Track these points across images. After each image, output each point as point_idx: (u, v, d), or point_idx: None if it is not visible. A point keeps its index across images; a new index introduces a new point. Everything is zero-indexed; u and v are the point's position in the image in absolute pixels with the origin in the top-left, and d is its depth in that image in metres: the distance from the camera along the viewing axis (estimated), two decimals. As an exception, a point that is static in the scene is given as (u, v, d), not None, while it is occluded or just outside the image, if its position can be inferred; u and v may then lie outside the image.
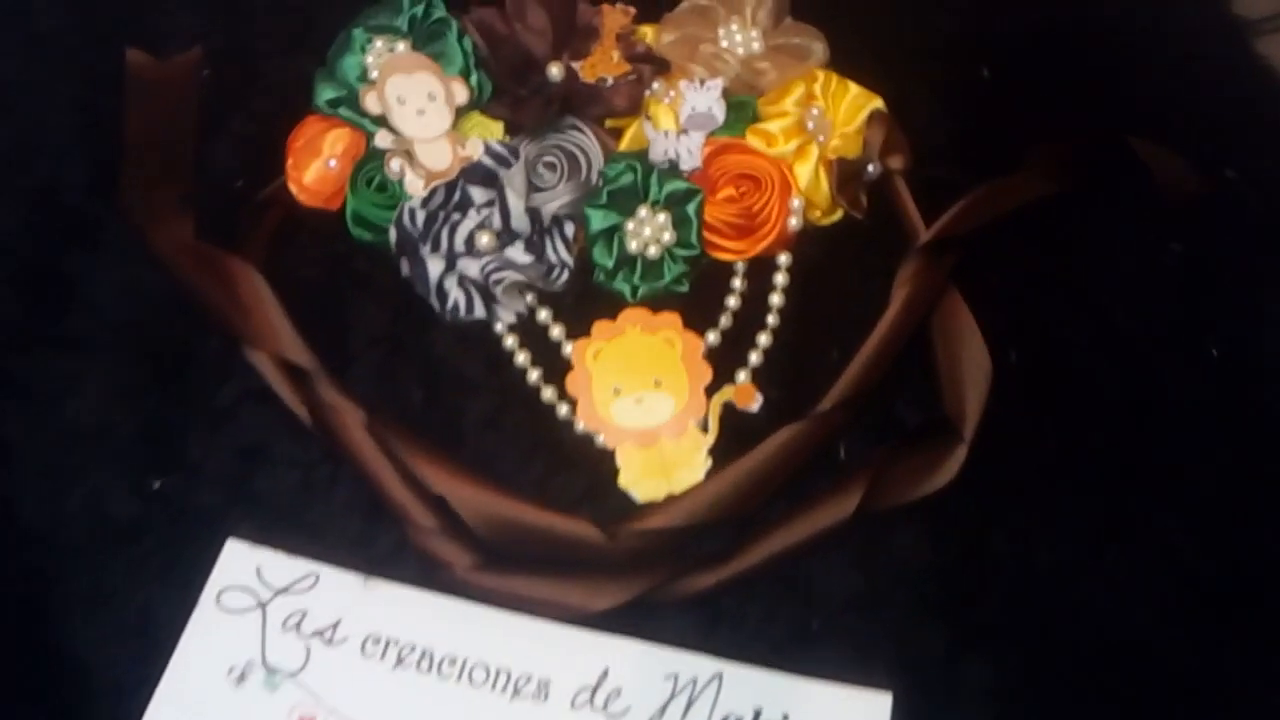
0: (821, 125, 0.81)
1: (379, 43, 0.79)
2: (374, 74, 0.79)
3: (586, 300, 0.77)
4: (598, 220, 0.76)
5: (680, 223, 0.77)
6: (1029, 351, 0.76)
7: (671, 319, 0.76)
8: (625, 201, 0.77)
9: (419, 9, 0.80)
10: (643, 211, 0.77)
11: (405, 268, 0.76)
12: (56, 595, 0.69)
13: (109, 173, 0.79)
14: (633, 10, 0.83)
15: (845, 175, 0.79)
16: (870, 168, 0.80)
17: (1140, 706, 0.69)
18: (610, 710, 0.66)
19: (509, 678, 0.67)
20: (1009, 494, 0.73)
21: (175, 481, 0.72)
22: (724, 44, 0.82)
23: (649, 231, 0.77)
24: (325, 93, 0.79)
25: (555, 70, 0.81)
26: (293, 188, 0.80)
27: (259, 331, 0.73)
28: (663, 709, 0.66)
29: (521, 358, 0.76)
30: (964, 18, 0.87)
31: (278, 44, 0.85)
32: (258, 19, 0.86)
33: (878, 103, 0.82)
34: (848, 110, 0.82)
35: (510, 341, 0.77)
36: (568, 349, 0.76)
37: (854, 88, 0.82)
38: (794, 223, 0.78)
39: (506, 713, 0.66)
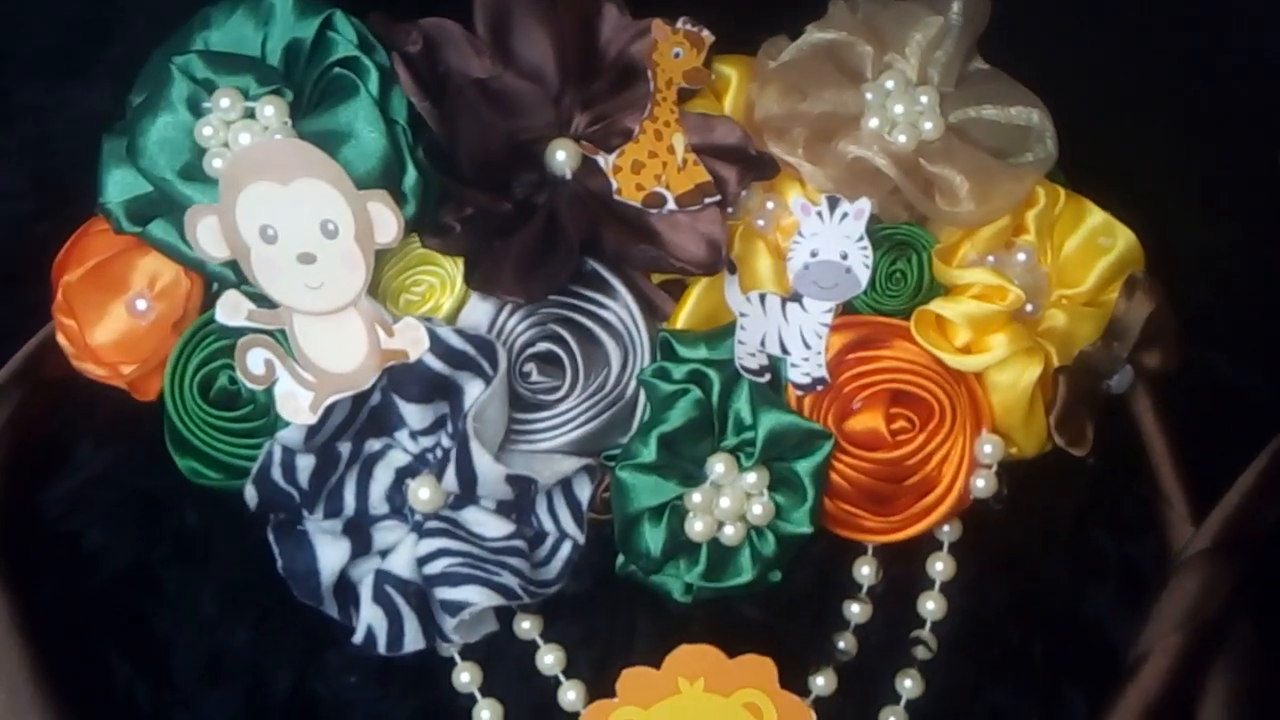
0: (1032, 283, 0.46)
1: (225, 101, 0.40)
2: (216, 165, 0.41)
3: (603, 597, 0.43)
4: (643, 494, 0.41)
5: (785, 487, 0.42)
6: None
7: (759, 668, 0.42)
8: (686, 450, 0.42)
9: (305, 28, 0.41)
10: (717, 468, 0.42)
11: (277, 554, 0.41)
12: None
13: None
14: (706, 37, 0.45)
15: (1080, 394, 0.45)
16: (1116, 379, 0.46)
17: None
18: None
19: None
20: None
21: None
22: (873, 123, 0.45)
23: (727, 503, 0.42)
24: (120, 184, 0.41)
25: (562, 155, 0.43)
26: (68, 349, 0.43)
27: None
28: None
29: (486, 715, 0.43)
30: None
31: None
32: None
33: (1126, 243, 0.46)
34: (1079, 254, 0.46)
35: (466, 678, 0.43)
36: (570, 696, 0.43)
37: (1093, 213, 0.46)
38: (980, 485, 0.44)
39: None
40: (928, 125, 0.45)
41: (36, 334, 0.43)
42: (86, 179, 0.43)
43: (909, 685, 0.44)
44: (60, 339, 0.43)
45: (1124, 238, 0.46)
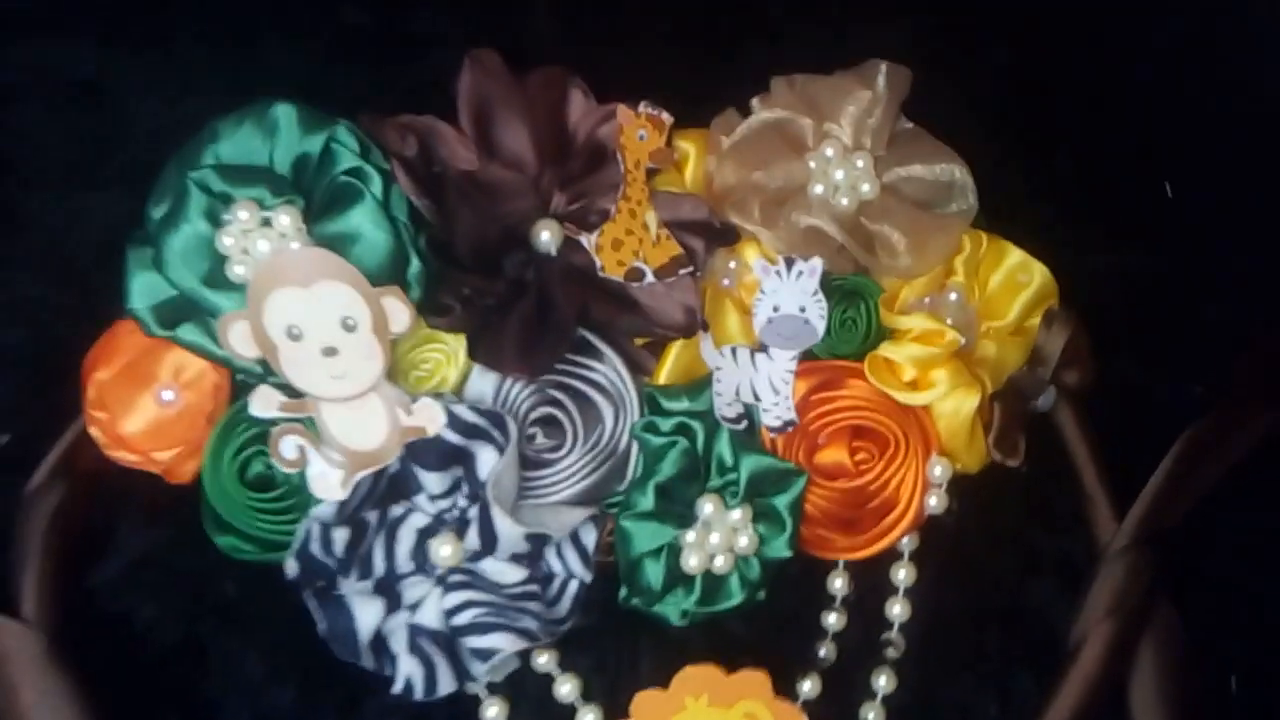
0: (964, 319, 0.52)
1: (243, 213, 0.44)
2: (237, 271, 0.45)
3: (609, 628, 0.49)
4: (644, 539, 0.46)
5: (766, 519, 0.48)
6: None
7: (755, 681, 0.48)
8: (678, 495, 0.47)
9: (313, 143, 0.45)
10: (706, 509, 0.47)
11: (319, 618, 0.45)
12: None
13: None
14: (666, 119, 0.50)
15: (1012, 415, 0.51)
16: (1041, 398, 0.52)
17: None
18: None
19: None
20: None
21: None
22: (818, 189, 0.50)
23: (717, 539, 0.47)
24: (145, 290, 0.45)
25: (546, 235, 0.48)
26: (100, 440, 0.47)
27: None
28: None
29: (514, 743, 0.47)
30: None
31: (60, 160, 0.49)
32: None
33: (1042, 277, 0.52)
34: (1002, 290, 0.52)
35: (493, 713, 0.48)
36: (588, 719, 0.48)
37: (1012, 252, 0.52)
38: (933, 503, 0.50)
39: None
40: (865, 187, 0.50)
41: (68, 430, 0.47)
42: (104, 281, 0.47)
43: (884, 682, 0.50)
44: (93, 431, 0.47)
45: (1040, 273, 0.52)
